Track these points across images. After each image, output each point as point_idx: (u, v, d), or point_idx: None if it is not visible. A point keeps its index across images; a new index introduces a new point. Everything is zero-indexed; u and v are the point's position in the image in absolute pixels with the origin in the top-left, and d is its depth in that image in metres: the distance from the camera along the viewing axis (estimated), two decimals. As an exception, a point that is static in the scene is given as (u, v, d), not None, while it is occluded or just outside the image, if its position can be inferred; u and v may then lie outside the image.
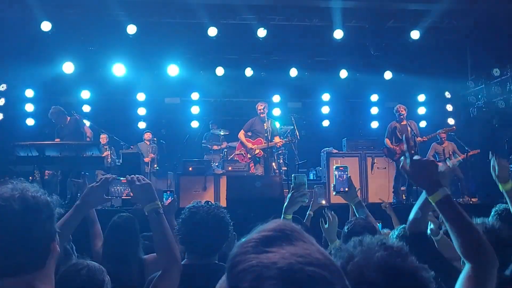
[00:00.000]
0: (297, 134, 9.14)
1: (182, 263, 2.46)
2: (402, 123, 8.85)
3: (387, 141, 8.91)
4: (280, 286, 0.78)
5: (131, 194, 2.08)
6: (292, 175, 2.81)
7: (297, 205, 2.62)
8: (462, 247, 1.48)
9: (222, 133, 10.49)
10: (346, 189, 3.00)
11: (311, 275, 0.80)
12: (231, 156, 10.09)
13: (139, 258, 3.22)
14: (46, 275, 1.41)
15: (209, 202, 2.51)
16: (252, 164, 9.01)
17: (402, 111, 8.84)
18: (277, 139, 8.75)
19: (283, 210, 2.61)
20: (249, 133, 8.88)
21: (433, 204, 1.59)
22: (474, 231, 1.50)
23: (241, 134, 8.91)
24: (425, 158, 1.65)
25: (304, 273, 0.79)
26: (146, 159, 10.29)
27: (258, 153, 8.69)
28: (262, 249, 0.84)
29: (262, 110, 8.75)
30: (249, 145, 8.79)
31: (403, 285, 1.02)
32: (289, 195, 2.64)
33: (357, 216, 3.04)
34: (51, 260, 1.42)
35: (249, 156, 8.82)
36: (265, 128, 8.60)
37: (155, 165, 10.61)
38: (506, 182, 2.57)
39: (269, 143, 8.55)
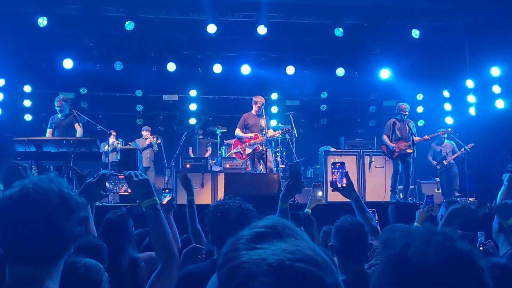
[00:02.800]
0: (295, 132, 9.07)
1: (213, 258, 2.48)
2: (401, 121, 8.85)
3: (385, 138, 8.89)
4: (270, 282, 0.77)
5: (129, 191, 2.06)
6: (288, 164, 2.84)
7: (293, 194, 2.66)
8: None
9: (219, 131, 10.47)
10: (344, 185, 2.99)
11: (301, 271, 0.79)
12: (228, 154, 10.08)
13: (132, 256, 3.18)
14: (56, 272, 1.41)
15: (237, 198, 2.53)
16: (249, 162, 8.87)
17: (405, 109, 8.85)
18: (271, 132, 8.57)
19: (280, 199, 2.64)
20: (245, 130, 8.67)
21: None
22: None
23: (238, 131, 8.68)
24: None
25: (294, 269, 0.79)
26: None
27: (256, 148, 8.54)
28: (253, 245, 0.83)
29: (260, 104, 8.51)
30: (248, 139, 8.54)
31: (462, 265, 1.03)
32: (285, 184, 2.66)
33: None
34: (64, 259, 1.43)
35: (247, 152, 8.58)
36: (261, 124, 8.40)
37: (159, 142, 10.57)
38: (507, 219, 2.63)
39: (267, 136, 8.37)
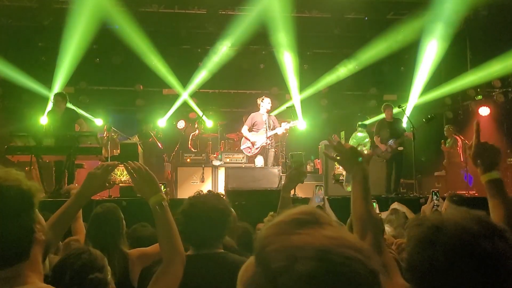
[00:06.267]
0: (296, 123, 9.19)
1: (187, 253, 2.45)
2: (390, 119, 8.91)
3: (376, 139, 8.89)
4: (314, 265, 0.78)
5: (133, 185, 2.04)
6: (290, 153, 2.80)
7: (295, 184, 2.63)
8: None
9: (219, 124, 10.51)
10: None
11: (346, 256, 0.80)
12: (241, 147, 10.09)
13: (123, 251, 3.10)
14: (33, 264, 1.38)
15: (210, 191, 2.50)
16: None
17: (391, 111, 8.90)
18: (279, 129, 8.78)
19: (282, 189, 2.59)
20: (253, 128, 8.90)
21: (483, 182, 1.84)
22: None
23: (245, 130, 8.91)
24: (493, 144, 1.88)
25: (339, 254, 0.80)
26: None
27: (264, 142, 8.70)
28: (294, 230, 0.84)
29: (267, 105, 8.76)
30: (253, 137, 8.78)
31: (498, 235, 1.14)
32: (287, 173, 2.62)
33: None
34: (36, 249, 1.38)
35: (256, 147, 8.80)
36: (268, 122, 8.65)
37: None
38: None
39: (272, 132, 8.63)
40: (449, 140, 10.42)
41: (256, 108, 9.05)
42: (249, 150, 8.90)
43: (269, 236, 0.85)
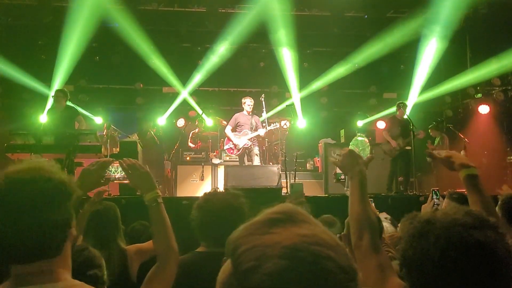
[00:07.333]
0: (295, 121, 9.18)
1: (197, 250, 2.41)
2: (402, 118, 8.90)
3: (387, 135, 8.87)
4: (284, 264, 0.77)
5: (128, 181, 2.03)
6: (290, 183, 2.80)
7: None
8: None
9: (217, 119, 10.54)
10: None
11: (316, 253, 0.79)
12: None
13: (121, 247, 3.15)
14: (64, 260, 1.36)
15: (228, 190, 2.48)
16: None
17: (404, 110, 8.91)
18: (261, 131, 8.75)
19: None
20: (236, 128, 8.86)
21: (461, 177, 1.98)
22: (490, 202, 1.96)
23: (228, 130, 8.88)
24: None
25: (309, 252, 0.78)
26: None
27: (245, 144, 8.65)
28: (266, 230, 0.83)
29: (250, 106, 8.74)
30: (235, 140, 8.73)
31: (488, 226, 1.18)
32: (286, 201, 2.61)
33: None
34: (68, 244, 1.36)
35: (238, 149, 8.77)
36: (251, 123, 8.65)
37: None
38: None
39: (253, 134, 8.63)
40: (437, 138, 10.37)
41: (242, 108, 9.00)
42: (231, 151, 8.87)
43: (242, 237, 0.84)
